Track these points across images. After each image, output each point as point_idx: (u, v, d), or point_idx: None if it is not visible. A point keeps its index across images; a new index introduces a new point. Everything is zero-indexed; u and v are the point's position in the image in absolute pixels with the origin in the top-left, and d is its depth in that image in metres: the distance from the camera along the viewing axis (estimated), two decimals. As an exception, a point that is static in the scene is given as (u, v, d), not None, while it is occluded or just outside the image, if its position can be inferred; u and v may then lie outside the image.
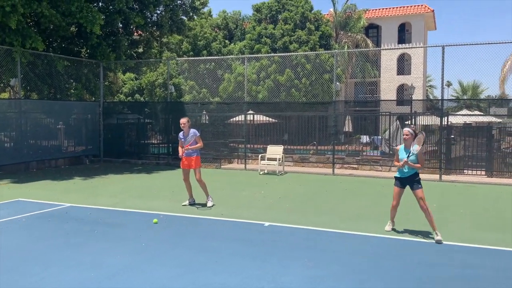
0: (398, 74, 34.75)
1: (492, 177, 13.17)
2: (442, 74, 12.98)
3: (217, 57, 26.94)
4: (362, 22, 32.50)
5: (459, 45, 13.22)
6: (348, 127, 19.82)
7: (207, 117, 17.23)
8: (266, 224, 7.37)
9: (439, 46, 13.06)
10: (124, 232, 6.87)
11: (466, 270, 5.25)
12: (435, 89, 48.88)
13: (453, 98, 41.56)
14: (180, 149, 8.74)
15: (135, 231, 6.88)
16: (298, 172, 14.54)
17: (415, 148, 6.48)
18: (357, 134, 18.85)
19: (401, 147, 6.77)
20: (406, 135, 6.63)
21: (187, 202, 8.91)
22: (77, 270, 5.09)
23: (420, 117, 15.82)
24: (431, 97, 45.80)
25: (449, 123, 13.81)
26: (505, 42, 12.74)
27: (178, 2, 17.89)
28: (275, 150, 14.47)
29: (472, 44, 13.04)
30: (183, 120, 8.60)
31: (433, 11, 34.95)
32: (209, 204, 8.71)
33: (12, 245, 6.06)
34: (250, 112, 16.63)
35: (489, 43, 12.75)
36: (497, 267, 5.38)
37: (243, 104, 16.16)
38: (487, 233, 6.95)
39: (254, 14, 30.41)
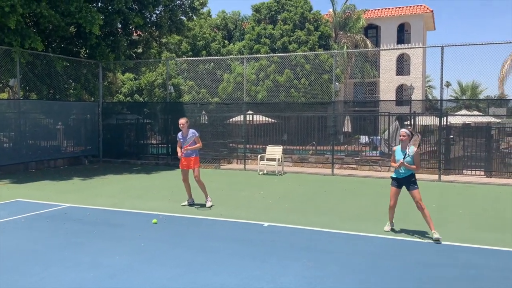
0: (397, 75, 34.77)
1: (491, 177, 13.18)
2: (441, 75, 13.00)
3: (216, 58, 26.94)
4: (361, 23, 32.51)
5: (458, 45, 13.25)
6: (347, 127, 19.82)
7: (206, 118, 17.23)
8: (266, 224, 7.37)
9: (438, 46, 13.09)
10: (124, 232, 6.87)
11: (465, 270, 5.26)
12: (434, 89, 48.95)
13: (452, 98, 41.57)
14: (178, 149, 8.74)
15: (135, 231, 6.87)
16: (297, 173, 14.54)
17: (412, 149, 6.51)
18: (356, 134, 18.85)
19: (397, 148, 6.80)
20: (403, 136, 6.66)
21: (186, 203, 8.91)
22: (76, 270, 5.09)
23: (419, 117, 15.83)
24: (430, 97, 45.83)
25: (448, 123, 13.82)
26: (504, 43, 12.76)
27: (177, 2, 17.89)
28: (274, 151, 14.48)
29: (471, 45, 13.06)
30: (182, 121, 8.60)
31: (432, 11, 34.98)
32: (208, 204, 8.71)
33: (11, 245, 6.05)
34: (249, 112, 16.62)
35: (488, 44, 12.77)
36: (497, 267, 5.39)
37: (242, 104, 16.16)
38: (486, 233, 6.96)
39: (253, 14, 30.41)
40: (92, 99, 18.22)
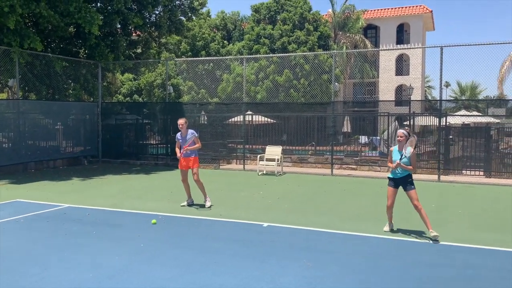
0: (396, 75, 34.80)
1: (490, 178, 13.19)
2: (441, 75, 13.00)
3: (215, 58, 26.94)
4: (360, 23, 32.54)
5: (458, 45, 13.25)
6: (346, 127, 19.85)
7: (206, 118, 17.23)
8: (265, 224, 7.37)
9: (437, 46, 13.10)
10: (123, 232, 6.87)
11: (465, 270, 5.26)
12: (433, 89, 49.00)
13: (452, 98, 41.63)
14: (177, 150, 8.74)
15: (134, 231, 6.87)
16: (296, 173, 14.54)
17: (408, 150, 6.54)
18: (355, 134, 18.87)
19: (394, 148, 6.83)
20: (401, 136, 6.70)
21: (185, 203, 8.91)
22: (76, 271, 5.08)
23: (419, 117, 15.84)
24: (429, 97, 45.87)
25: (447, 123, 13.83)
26: (504, 43, 12.78)
27: (177, 2, 17.88)
28: (273, 151, 14.47)
29: (471, 45, 13.07)
30: (181, 121, 8.59)
31: (431, 11, 35.01)
32: (207, 204, 8.71)
33: (10, 246, 6.04)
34: (249, 112, 16.62)
35: (487, 44, 12.77)
36: (496, 267, 5.39)
37: (242, 104, 16.16)
38: (486, 233, 6.96)
39: (252, 14, 30.41)
40: (91, 99, 18.21)
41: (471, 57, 14.30)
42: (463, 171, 13.77)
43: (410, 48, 33.81)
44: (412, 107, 21.33)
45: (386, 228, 7.00)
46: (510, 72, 28.44)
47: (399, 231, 6.96)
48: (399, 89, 34.67)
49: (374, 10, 36.25)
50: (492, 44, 12.77)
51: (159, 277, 4.93)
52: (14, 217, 7.80)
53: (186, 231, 6.97)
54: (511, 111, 22.00)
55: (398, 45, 34.95)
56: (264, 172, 14.40)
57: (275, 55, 24.69)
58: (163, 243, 6.27)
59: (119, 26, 17.19)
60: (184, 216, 7.97)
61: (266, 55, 25.23)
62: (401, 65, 34.81)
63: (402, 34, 35.94)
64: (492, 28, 74.35)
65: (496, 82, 28.86)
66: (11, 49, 13.39)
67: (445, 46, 12.93)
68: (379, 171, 14.45)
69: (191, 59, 26.61)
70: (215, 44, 30.09)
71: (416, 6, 35.17)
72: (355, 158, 15.42)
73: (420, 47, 33.33)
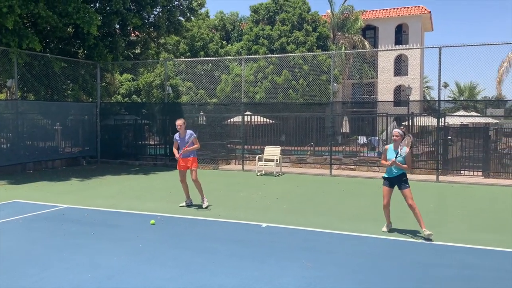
0: (395, 75, 34.83)
1: (488, 178, 13.20)
2: (439, 75, 13.02)
3: (214, 58, 26.92)
4: (359, 23, 32.55)
5: (456, 46, 13.28)
6: (345, 128, 19.86)
7: (205, 118, 17.22)
8: (264, 225, 7.37)
9: (436, 47, 13.12)
10: (122, 233, 6.86)
11: (464, 270, 5.27)
12: (432, 90, 48.96)
13: (450, 99, 41.66)
14: (175, 150, 8.74)
15: (133, 232, 6.86)
16: (295, 173, 14.55)
17: (404, 150, 6.60)
18: (354, 135, 18.87)
19: (389, 147, 6.89)
20: (396, 136, 6.76)
21: (184, 203, 8.91)
22: (74, 271, 5.08)
23: (417, 118, 15.86)
24: (428, 98, 45.89)
25: (446, 124, 13.86)
26: (502, 43, 12.81)
27: (176, 3, 17.87)
28: (272, 151, 14.48)
29: (469, 45, 13.10)
30: (179, 122, 8.59)
31: (430, 12, 35.06)
32: (205, 205, 8.70)
33: (9, 246, 6.03)
34: (248, 113, 16.61)
35: (485, 44, 12.80)
36: (494, 267, 5.40)
37: (241, 105, 16.16)
38: (484, 233, 6.98)
39: (251, 15, 30.42)
40: (90, 99, 18.19)
41: (470, 57, 14.34)
42: (461, 172, 13.78)
43: (408, 49, 33.85)
44: (410, 108, 21.35)
45: (385, 228, 7.01)
46: (508, 73, 28.52)
47: (397, 231, 6.97)
48: (398, 90, 34.70)
49: (373, 10, 36.29)
50: (491, 44, 12.80)
51: (158, 277, 4.93)
52: (12, 218, 7.79)
53: (185, 232, 6.97)
54: (509, 112, 22.04)
55: (397, 46, 34.99)
56: (263, 172, 14.40)
57: (274, 55, 24.70)
58: (162, 243, 6.27)
59: (118, 26, 17.18)
60: (183, 217, 7.97)
61: (265, 56, 25.24)
62: (400, 66, 34.84)
63: (400, 35, 35.98)
64: (490, 29, 74.51)
65: (494, 82, 28.95)
66: (10, 50, 13.38)
67: (443, 47, 12.96)
68: (378, 172, 14.45)
69: (189, 59, 26.61)
70: (214, 45, 30.08)
71: (415, 7, 35.21)
72: (353, 159, 15.43)
73: (418, 48, 33.40)
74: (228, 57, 27.37)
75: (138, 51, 19.03)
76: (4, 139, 14.52)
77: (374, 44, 36.04)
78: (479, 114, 21.05)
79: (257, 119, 17.25)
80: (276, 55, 24.75)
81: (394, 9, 35.80)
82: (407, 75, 34.31)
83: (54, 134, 16.40)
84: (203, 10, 25.99)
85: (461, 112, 21.30)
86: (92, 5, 15.72)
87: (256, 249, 6.01)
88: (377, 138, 17.28)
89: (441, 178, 13.01)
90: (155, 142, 18.47)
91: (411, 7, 35.29)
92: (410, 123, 15.75)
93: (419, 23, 34.93)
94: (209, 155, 16.05)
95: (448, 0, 70.12)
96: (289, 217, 7.99)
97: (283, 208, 8.87)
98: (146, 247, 6.07)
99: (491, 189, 11.59)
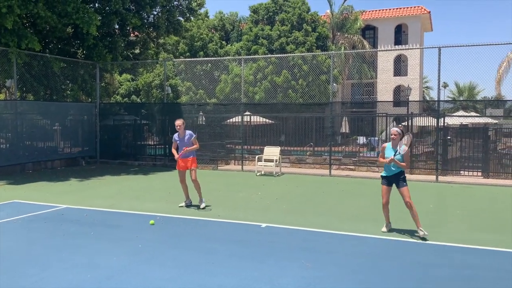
0: (394, 75, 34.85)
1: (488, 178, 13.20)
2: (439, 75, 13.02)
3: (214, 58, 26.93)
4: (358, 24, 32.56)
5: (455, 46, 13.28)
6: (345, 128, 19.84)
7: (204, 118, 17.20)
8: (263, 225, 7.36)
9: (435, 47, 13.12)
10: (121, 233, 6.85)
11: (464, 270, 5.27)
12: (431, 90, 49.01)
13: (450, 99, 41.69)
14: (174, 151, 8.73)
15: (132, 232, 6.86)
16: (295, 173, 14.54)
17: (403, 148, 6.61)
18: (354, 135, 18.87)
19: (387, 145, 6.92)
20: (394, 134, 6.81)
21: (183, 204, 8.90)
22: (74, 272, 5.07)
23: (417, 118, 15.85)
24: (427, 98, 45.93)
25: (445, 124, 13.85)
26: (501, 44, 12.82)
27: (175, 3, 17.87)
28: (272, 151, 14.47)
29: (468, 46, 13.11)
30: (178, 122, 8.58)
31: (429, 12, 35.08)
32: (202, 205, 8.68)
33: (9, 247, 6.02)
34: (247, 113, 16.61)
35: (485, 45, 12.82)
36: (494, 267, 5.40)
37: (240, 105, 16.16)
38: (484, 233, 6.97)
39: (251, 15, 30.42)
40: (89, 100, 18.18)
41: (469, 58, 14.39)
42: (461, 172, 13.78)
43: (408, 49, 33.87)
44: (410, 108, 21.35)
45: (384, 228, 7.01)
46: (507, 73, 28.54)
47: (396, 231, 6.97)
48: (397, 90, 34.71)
49: (372, 11, 36.30)
50: (490, 45, 12.82)
51: (158, 277, 4.92)
52: (11, 218, 7.78)
53: (184, 232, 6.96)
54: (508, 112, 22.07)
55: (396, 46, 35.00)
56: (263, 172, 14.39)
57: (273, 55, 24.69)
58: (161, 243, 6.26)
59: (117, 26, 17.17)
60: (182, 217, 7.96)
61: (264, 56, 25.24)
62: (399, 66, 34.85)
63: (400, 35, 36.00)
64: (490, 29, 74.56)
65: (494, 83, 28.96)
66: (9, 50, 13.37)
67: (443, 47, 12.96)
68: (377, 172, 14.42)
69: (189, 59, 26.61)
70: (213, 45, 30.08)
71: (414, 7, 35.23)
72: (353, 159, 15.43)
73: (418, 48, 33.43)
74: (228, 57, 27.37)
75: (137, 51, 19.02)
76: (3, 139, 14.50)
77: (374, 44, 36.05)
78: (478, 115, 21.05)
79: (257, 119, 17.24)
80: (276, 55, 24.75)
81: (393, 9, 35.82)
82: (407, 75, 34.33)
83: (53, 134, 16.38)
84: (202, 10, 25.99)
85: (461, 112, 21.30)
86: (91, 5, 15.71)
87: (256, 249, 6.00)
88: (377, 138, 17.27)
89: (440, 178, 13.01)
90: (155, 142, 18.45)
91: (411, 7, 35.30)
92: (410, 124, 15.73)
93: (418, 23, 34.95)
94: (209, 155, 16.04)
95: (447, 0, 70.20)
96: (288, 217, 7.98)
97: (283, 208, 8.87)
98: (146, 247, 6.06)
99: (490, 189, 11.59)
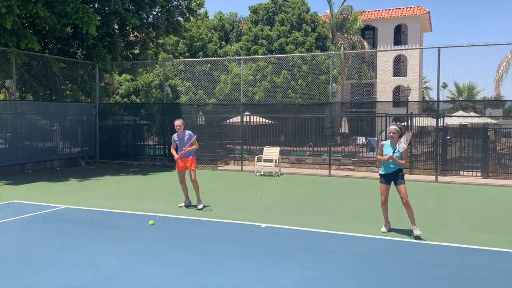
0: (394, 76, 34.84)
1: (487, 178, 13.21)
2: (438, 76, 13.04)
3: (213, 59, 26.92)
4: (358, 24, 32.55)
5: (455, 46, 13.29)
6: (344, 128, 19.86)
7: (204, 119, 17.20)
8: (263, 225, 7.36)
9: (435, 47, 13.12)
10: (121, 233, 6.85)
11: (464, 270, 5.27)
12: (431, 90, 49.08)
13: (449, 99, 41.74)
14: (173, 151, 8.73)
15: (132, 232, 6.85)
16: (294, 174, 14.54)
17: (402, 146, 6.64)
18: (353, 135, 18.87)
19: (386, 143, 6.94)
20: (393, 132, 6.84)
21: (183, 204, 8.90)
22: (73, 272, 5.06)
23: (416, 118, 15.86)
24: (427, 98, 45.96)
25: (445, 124, 13.86)
26: (501, 44, 12.83)
27: (174, 3, 17.87)
28: (271, 152, 14.47)
29: (468, 46, 13.11)
30: (177, 122, 8.58)
31: (429, 12, 35.07)
32: (200, 206, 8.66)
33: (8, 247, 6.02)
34: (247, 113, 16.62)
35: (484, 45, 12.82)
36: (494, 267, 5.40)
37: (240, 105, 16.16)
38: (483, 234, 6.98)
39: (250, 15, 30.41)
40: (89, 100, 18.18)
41: (469, 58, 14.36)
42: (460, 172, 13.79)
43: (407, 49, 33.84)
44: (409, 108, 21.36)
45: (384, 229, 7.01)
46: (507, 73, 28.53)
47: (395, 231, 6.97)
48: (397, 90, 34.71)
49: (372, 11, 36.30)
50: (489, 45, 12.82)
51: (158, 278, 4.92)
52: (11, 218, 7.77)
53: (184, 232, 6.96)
54: (508, 112, 22.08)
55: (396, 46, 34.99)
56: (262, 173, 14.39)
57: (273, 56, 24.68)
58: (161, 244, 6.26)
59: (117, 26, 17.16)
60: (182, 217, 7.96)
61: (264, 56, 25.22)
62: (399, 66, 34.85)
63: (399, 35, 36.00)
64: (489, 29, 74.61)
65: (493, 83, 28.96)
66: (8, 50, 13.36)
67: (442, 47, 12.96)
68: (377, 172, 14.40)
69: (188, 60, 26.60)
70: (213, 45, 30.08)
71: (414, 7, 35.23)
72: (352, 159, 15.43)
73: (417, 48, 33.41)
74: (227, 58, 27.36)
75: (137, 51, 19.02)
76: (2, 139, 14.49)
77: (373, 45, 36.05)
78: (478, 115, 21.08)
79: (256, 119, 17.25)
80: (275, 55, 24.74)
81: (393, 9, 35.82)
82: (406, 75, 34.33)
83: (52, 135, 16.37)
84: (202, 11, 25.99)
85: (460, 113, 21.33)
86: (90, 5, 15.70)
87: (255, 250, 6.00)
88: (376, 138, 17.27)
89: (440, 178, 13.02)
90: (154, 143, 18.45)
91: (410, 8, 35.31)
92: (409, 124, 15.74)
93: (418, 23, 34.95)
94: (208, 155, 16.04)
95: (447, 0, 70.25)
96: (288, 217, 7.98)
97: (282, 208, 8.87)
98: (145, 247, 6.05)
99: (490, 190, 11.59)
